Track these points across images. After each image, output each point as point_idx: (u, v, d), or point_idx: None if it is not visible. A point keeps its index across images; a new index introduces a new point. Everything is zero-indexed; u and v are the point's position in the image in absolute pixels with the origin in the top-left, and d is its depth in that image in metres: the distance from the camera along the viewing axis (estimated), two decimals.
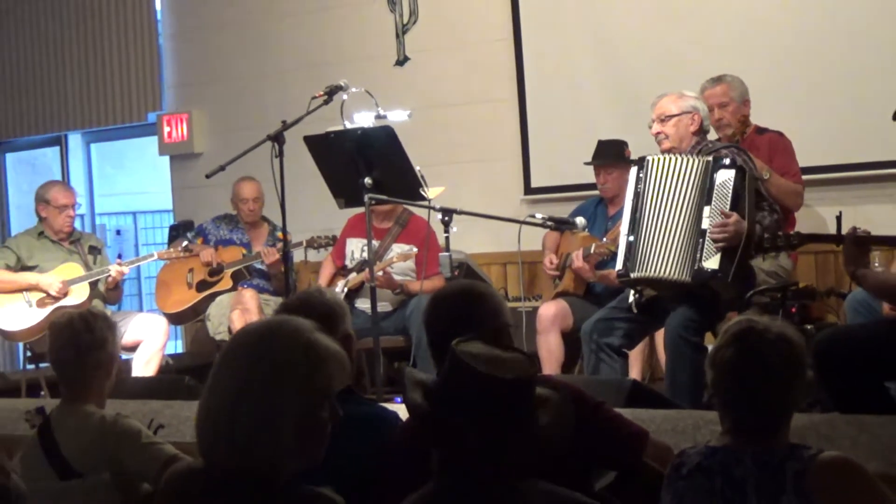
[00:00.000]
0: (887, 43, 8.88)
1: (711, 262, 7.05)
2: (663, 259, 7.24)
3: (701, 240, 7.08)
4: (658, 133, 7.40)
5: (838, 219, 6.44)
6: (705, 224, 7.08)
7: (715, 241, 7.01)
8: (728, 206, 7.01)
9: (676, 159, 7.28)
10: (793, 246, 6.93)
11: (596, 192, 8.96)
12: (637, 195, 7.34)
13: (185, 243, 9.99)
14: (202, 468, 3.75)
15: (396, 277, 9.22)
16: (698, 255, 7.10)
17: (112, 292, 9.88)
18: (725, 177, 7.05)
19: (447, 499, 3.23)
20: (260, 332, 3.78)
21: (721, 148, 7.40)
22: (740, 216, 6.98)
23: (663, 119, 7.38)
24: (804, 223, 8.15)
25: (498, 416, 3.18)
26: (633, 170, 7.42)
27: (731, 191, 7.04)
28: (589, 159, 8.94)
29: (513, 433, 3.18)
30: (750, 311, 6.98)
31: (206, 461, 3.74)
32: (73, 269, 9.75)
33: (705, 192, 7.12)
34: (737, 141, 7.86)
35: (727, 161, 7.10)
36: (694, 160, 7.21)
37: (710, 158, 7.17)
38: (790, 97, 9.01)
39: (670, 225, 7.24)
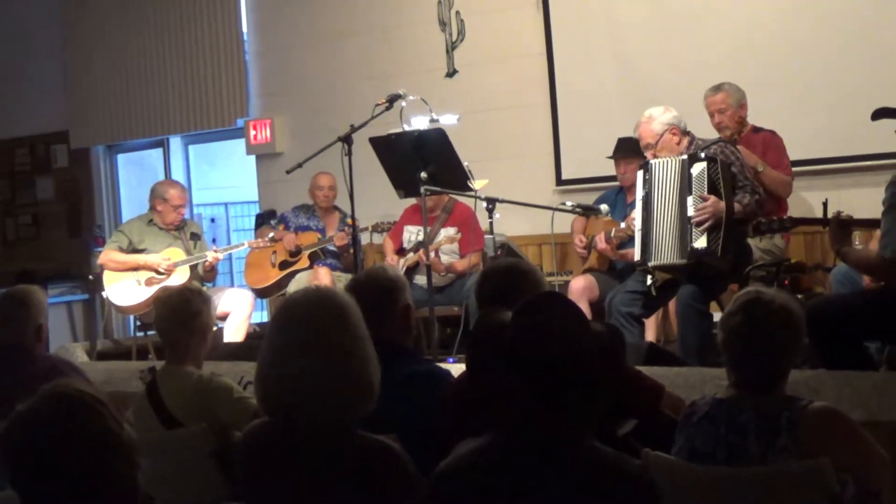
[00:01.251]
0: (867, 52, 8.83)
1: (700, 242, 7.19)
2: (666, 247, 7.34)
3: (689, 225, 7.19)
4: (653, 155, 7.45)
5: (824, 204, 6.45)
6: (690, 211, 7.22)
7: (698, 223, 7.13)
8: (706, 192, 7.11)
9: (665, 162, 7.35)
10: (785, 228, 6.99)
11: (617, 183, 8.97)
12: (645, 195, 7.41)
13: (270, 234, 10.02)
14: (273, 422, 3.78)
15: (444, 256, 9.27)
16: (689, 239, 7.21)
17: (208, 273, 9.96)
18: (700, 168, 7.22)
19: (500, 452, 3.21)
20: (309, 297, 3.83)
21: (710, 144, 7.45)
22: (717, 198, 7.03)
23: (651, 145, 7.46)
24: (795, 208, 8.13)
25: (558, 376, 3.15)
26: (640, 174, 7.49)
27: (706, 178, 7.18)
28: (611, 154, 8.93)
29: (570, 392, 3.15)
30: (749, 284, 7.03)
31: (274, 416, 3.77)
32: (176, 252, 9.83)
33: (686, 185, 7.25)
34: (734, 140, 7.84)
35: (702, 154, 7.21)
36: (675, 161, 7.29)
37: (686, 156, 7.27)
38: (783, 99, 8.97)
39: (667, 217, 7.36)
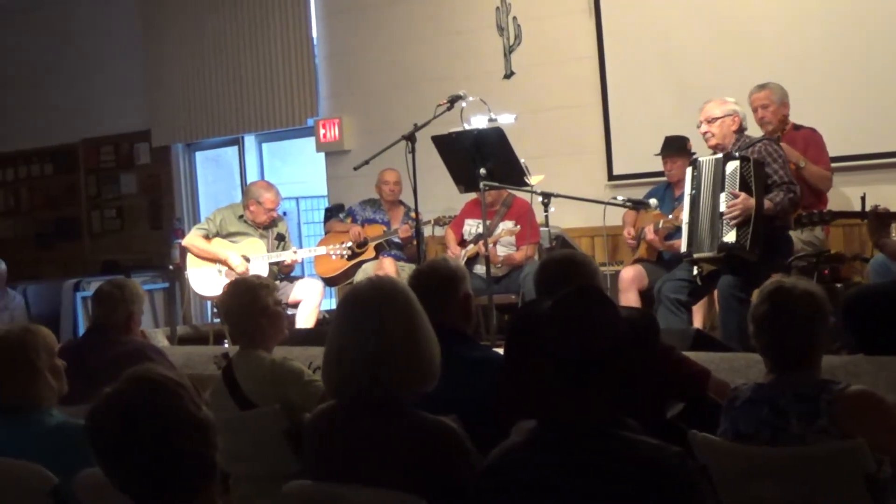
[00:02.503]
0: None
1: (729, 237, 7.25)
2: (704, 240, 7.37)
3: (720, 220, 7.21)
4: (705, 132, 7.48)
5: (863, 198, 6.45)
6: (722, 207, 7.25)
7: (729, 218, 7.10)
8: (737, 189, 7.17)
9: (709, 161, 7.35)
10: (825, 221, 6.99)
11: (664, 178, 8.94)
12: (692, 190, 7.41)
13: (349, 243, 10.04)
14: (337, 405, 3.81)
15: (501, 248, 9.27)
16: (719, 233, 7.27)
17: (286, 268, 10.03)
18: (733, 166, 7.25)
19: (543, 444, 3.19)
20: (372, 286, 3.88)
21: (756, 141, 7.44)
22: (748, 195, 7.06)
23: (710, 120, 7.45)
24: (834, 202, 8.09)
25: (592, 368, 3.14)
26: (689, 170, 7.52)
27: (738, 176, 7.20)
28: (658, 152, 8.91)
29: (604, 384, 3.14)
30: (792, 272, 7.02)
31: (340, 397, 3.79)
32: (258, 246, 9.88)
33: (720, 182, 7.28)
34: (777, 137, 7.82)
35: (735, 153, 7.24)
36: (714, 160, 7.29)
37: (722, 155, 7.30)
38: (823, 97, 8.92)
39: (706, 212, 7.37)
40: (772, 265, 7.35)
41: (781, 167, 7.33)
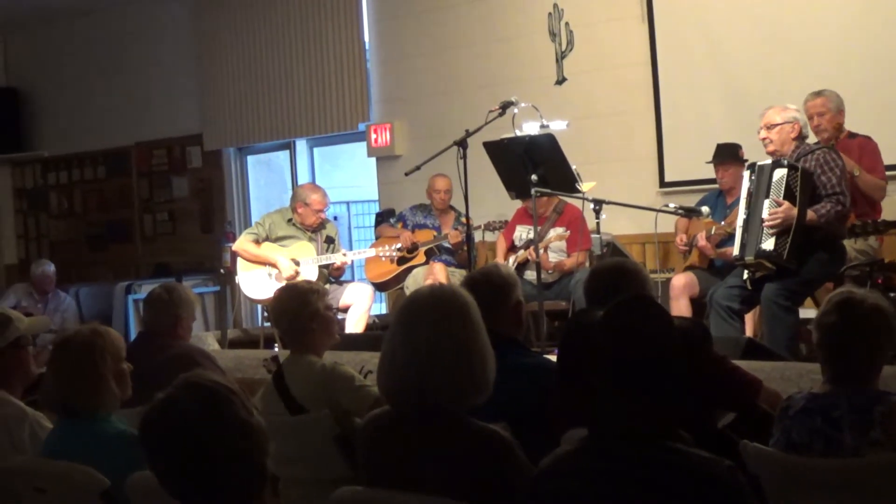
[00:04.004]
0: None
1: (768, 244, 7.27)
2: (749, 244, 7.32)
3: (761, 226, 7.20)
4: (764, 138, 7.46)
5: None
6: (764, 214, 7.25)
7: (769, 226, 7.10)
8: (781, 197, 7.13)
9: (764, 165, 7.33)
10: (879, 230, 6.98)
11: (716, 186, 8.89)
12: (749, 194, 7.40)
13: (398, 245, 10.06)
14: (393, 411, 3.81)
15: (552, 254, 9.25)
16: (760, 239, 7.26)
17: (336, 271, 10.04)
18: (780, 174, 7.24)
19: (594, 453, 3.19)
20: (433, 294, 3.86)
21: (814, 149, 7.40)
22: (791, 205, 7.04)
23: (769, 127, 7.43)
24: (889, 210, 8.02)
25: (644, 377, 3.13)
26: (747, 173, 7.51)
27: (784, 184, 7.17)
28: (710, 159, 8.87)
29: (655, 393, 3.12)
30: (844, 283, 6.98)
31: (395, 404, 3.79)
32: (308, 249, 9.91)
33: (765, 188, 7.29)
34: (832, 144, 7.77)
35: (784, 161, 7.19)
36: (767, 165, 7.27)
37: (771, 161, 7.25)
38: (878, 105, 8.85)
39: (754, 216, 7.34)
40: (824, 274, 7.33)
41: (837, 177, 7.27)
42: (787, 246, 7.16)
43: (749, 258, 7.36)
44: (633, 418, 3.10)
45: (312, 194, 10.09)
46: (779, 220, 7.13)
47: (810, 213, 7.18)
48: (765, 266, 7.31)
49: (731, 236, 8.16)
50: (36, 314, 11.41)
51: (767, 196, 7.23)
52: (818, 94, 8.15)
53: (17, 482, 4.58)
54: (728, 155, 8.72)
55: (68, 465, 4.40)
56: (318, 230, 10.08)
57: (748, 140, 8.57)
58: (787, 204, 7.13)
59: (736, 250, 7.52)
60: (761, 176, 7.36)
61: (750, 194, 7.44)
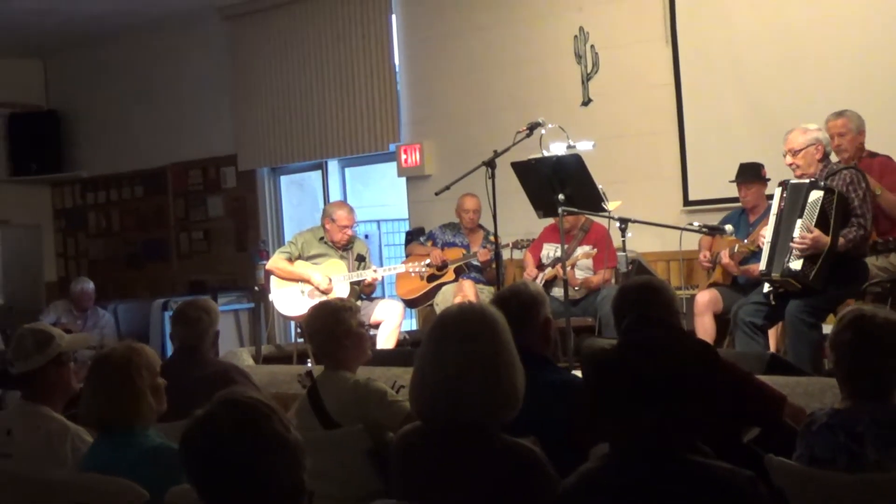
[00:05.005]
0: None
1: (795, 264, 7.23)
2: (776, 259, 7.31)
3: (791, 245, 7.17)
4: (791, 164, 7.43)
5: None
6: (795, 233, 7.20)
7: (797, 249, 7.06)
8: (814, 221, 7.08)
9: (798, 184, 7.31)
10: None
11: (739, 204, 8.87)
12: (779, 213, 7.39)
13: (426, 261, 10.09)
14: (424, 426, 3.82)
15: (578, 272, 9.26)
16: (787, 257, 7.23)
17: (367, 288, 10.05)
18: (816, 196, 7.17)
19: (619, 468, 3.19)
20: (464, 312, 3.88)
21: (842, 169, 7.37)
22: (825, 230, 7.08)
23: (794, 152, 7.40)
24: None
25: (661, 393, 3.13)
26: (778, 190, 7.48)
27: (819, 207, 7.11)
28: (733, 178, 8.86)
29: (676, 410, 3.13)
30: (866, 299, 6.97)
31: (426, 420, 3.80)
32: (339, 266, 9.93)
33: (799, 207, 7.23)
34: (854, 164, 7.75)
35: (822, 183, 7.11)
36: (800, 184, 7.25)
37: (809, 181, 7.19)
38: None
39: (784, 233, 7.31)
40: (846, 291, 7.31)
41: (860, 199, 7.24)
42: (814, 270, 7.13)
43: (776, 275, 7.35)
44: (653, 434, 3.11)
45: (338, 210, 10.12)
46: (805, 247, 7.11)
47: (840, 240, 7.16)
48: (791, 283, 7.29)
49: (754, 254, 8.20)
50: (75, 330, 11.46)
51: (801, 216, 7.19)
52: (839, 114, 8.12)
53: (59, 496, 4.61)
54: (750, 174, 8.70)
55: (108, 478, 4.42)
56: (349, 248, 10.10)
57: (771, 159, 8.56)
58: (818, 232, 7.09)
59: (763, 265, 7.49)
60: (796, 195, 7.32)
61: (781, 211, 7.42)
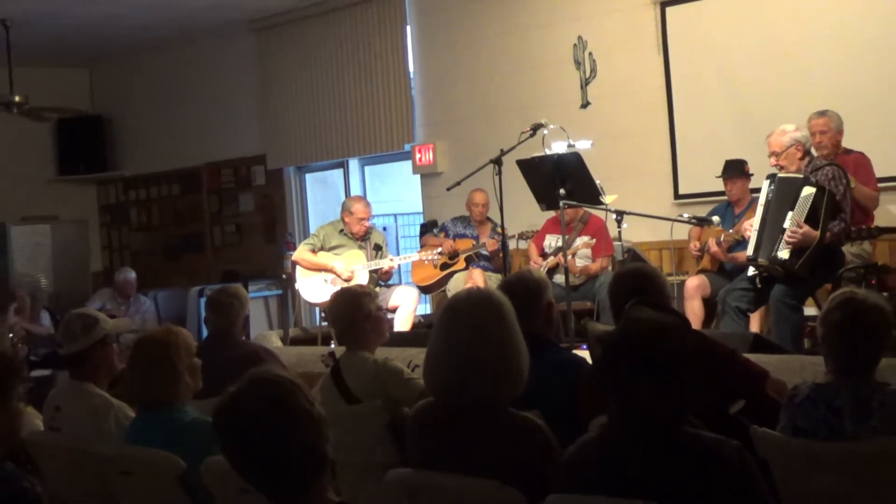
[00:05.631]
0: None
1: (783, 253, 7.21)
2: (766, 248, 7.28)
3: (780, 235, 7.15)
4: (775, 164, 7.42)
5: None
6: (786, 223, 7.17)
7: (787, 242, 7.05)
8: (804, 216, 7.04)
9: (788, 178, 7.28)
10: (873, 235, 6.93)
11: (725, 198, 8.85)
12: (766, 203, 7.37)
13: (438, 250, 10.10)
14: (437, 402, 3.81)
15: (578, 260, 9.25)
16: (776, 246, 7.21)
17: (385, 276, 10.04)
18: (808, 192, 7.13)
19: (617, 438, 3.18)
20: (472, 298, 3.87)
21: (825, 165, 7.36)
22: (814, 225, 7.07)
23: (778, 154, 7.39)
24: (881, 218, 7.98)
25: (661, 369, 3.12)
26: (766, 182, 7.46)
27: (810, 203, 7.10)
28: (720, 174, 8.84)
29: (673, 384, 3.12)
30: (841, 284, 6.94)
31: (439, 396, 3.79)
32: (358, 256, 9.93)
33: (791, 199, 7.19)
34: (831, 160, 7.73)
35: (813, 180, 7.09)
36: (793, 178, 7.22)
37: (803, 176, 7.15)
38: (872, 124, 8.77)
39: (771, 222, 7.28)
40: (825, 276, 7.29)
41: (841, 194, 7.24)
42: (800, 260, 7.11)
43: (762, 260, 7.33)
44: (648, 407, 3.10)
45: (356, 204, 10.14)
46: (796, 240, 7.09)
47: (827, 234, 7.15)
48: (776, 269, 7.27)
49: (739, 242, 8.21)
50: (119, 316, 11.47)
51: (792, 208, 7.17)
52: (822, 113, 8.08)
53: (106, 466, 4.62)
54: (735, 170, 8.70)
55: (149, 450, 4.43)
56: (367, 239, 10.09)
57: (754, 156, 8.56)
58: (807, 228, 7.07)
59: (749, 251, 7.50)
60: (786, 187, 7.29)
61: (768, 202, 7.40)
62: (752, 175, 8.67)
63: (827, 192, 7.13)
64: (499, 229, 8.83)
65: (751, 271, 7.53)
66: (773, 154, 7.46)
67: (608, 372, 3.21)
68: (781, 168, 7.41)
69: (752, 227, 7.59)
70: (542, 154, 8.53)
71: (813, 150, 7.65)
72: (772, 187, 7.41)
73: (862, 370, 3.99)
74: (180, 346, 4.62)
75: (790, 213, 7.15)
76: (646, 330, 3.20)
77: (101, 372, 5.27)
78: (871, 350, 4.00)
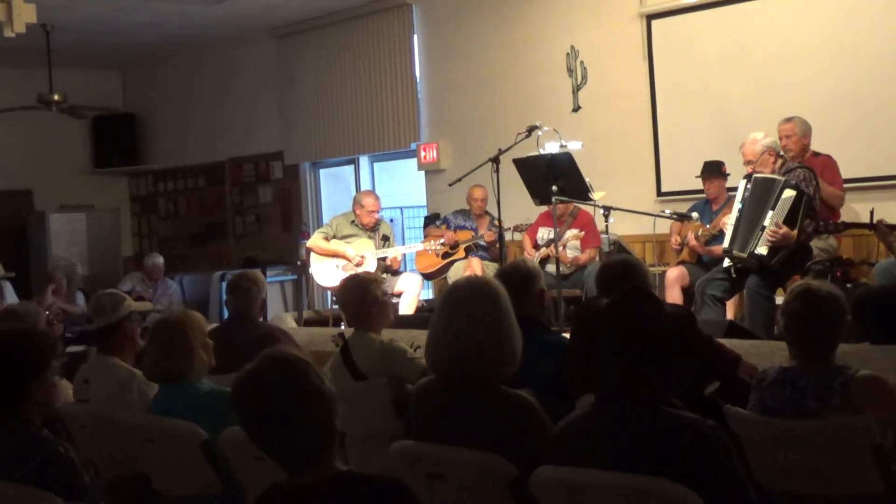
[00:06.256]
0: None
1: (762, 249, 7.17)
2: (741, 241, 7.27)
3: (760, 232, 7.11)
4: (752, 170, 7.41)
5: (871, 213, 6.35)
6: (766, 222, 7.14)
7: (767, 240, 7.05)
8: (783, 217, 7.02)
9: (766, 179, 7.28)
10: (838, 230, 6.95)
11: (704, 195, 8.84)
12: (743, 201, 7.35)
13: (441, 240, 10.12)
14: (437, 380, 3.82)
15: (569, 251, 9.22)
16: (755, 242, 7.18)
17: (393, 262, 10.05)
18: (789, 194, 7.10)
19: (603, 416, 3.18)
20: (470, 284, 3.88)
21: (797, 167, 7.36)
22: (792, 226, 7.06)
23: (752, 162, 7.42)
24: (846, 216, 7.94)
25: (645, 352, 3.12)
26: (743, 182, 7.46)
27: (790, 204, 7.07)
28: (699, 174, 8.82)
29: (651, 365, 3.11)
30: (809, 276, 6.94)
31: (439, 374, 3.80)
32: (367, 245, 9.96)
33: (772, 200, 7.15)
34: (799, 162, 7.73)
35: (793, 182, 7.08)
36: (775, 178, 7.21)
37: (783, 180, 7.14)
38: (838, 130, 8.74)
39: (749, 219, 7.26)
40: (793, 268, 7.28)
41: (811, 196, 7.24)
42: (776, 257, 7.11)
43: (737, 252, 7.32)
44: (632, 387, 3.10)
45: (366, 198, 10.18)
46: (776, 240, 7.06)
47: (802, 234, 7.16)
48: (750, 262, 7.26)
49: (716, 237, 8.19)
50: (147, 298, 11.53)
51: (773, 209, 7.15)
52: (788, 119, 8.08)
53: (135, 434, 4.63)
54: (713, 171, 8.68)
55: (172, 420, 4.45)
56: (375, 229, 10.11)
57: (730, 157, 8.57)
58: (786, 229, 7.06)
59: (726, 243, 7.48)
60: (766, 188, 7.26)
61: (744, 199, 7.40)
62: (728, 175, 8.66)
63: (806, 196, 7.12)
64: (496, 222, 8.83)
65: (726, 262, 7.52)
66: (748, 162, 7.50)
67: (589, 353, 3.20)
68: (758, 173, 7.41)
69: (728, 221, 7.60)
70: (536, 154, 8.54)
71: (782, 152, 7.66)
72: (748, 186, 7.41)
73: (821, 354, 3.99)
74: (194, 327, 4.69)
75: (770, 213, 7.12)
76: (628, 314, 3.19)
77: (126, 347, 5.31)
78: (829, 335, 4.00)
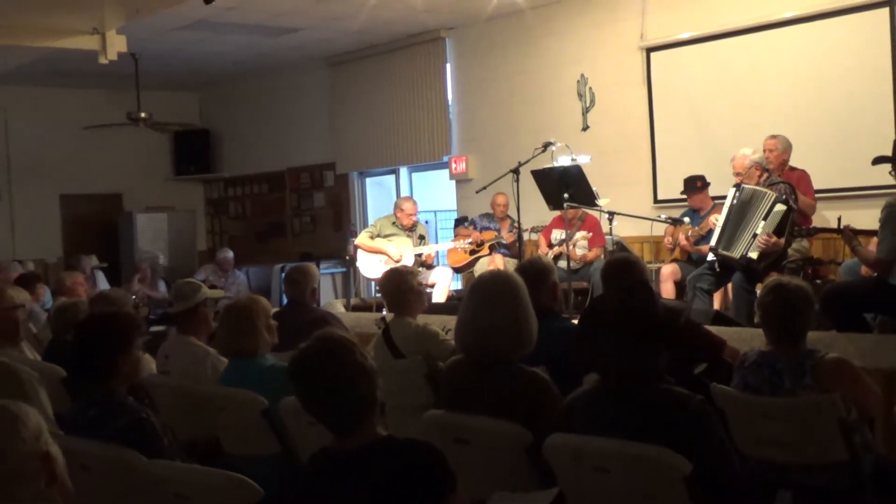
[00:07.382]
0: (870, 116, 8.58)
1: (752, 254, 7.06)
2: (732, 242, 7.21)
3: (752, 238, 7.04)
4: (740, 181, 7.36)
5: (839, 219, 6.29)
6: (758, 230, 7.06)
7: (759, 246, 6.98)
8: (774, 228, 6.98)
9: (755, 190, 7.24)
10: (810, 234, 6.85)
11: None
12: (731, 206, 7.30)
13: (469, 240, 10.11)
14: (465, 359, 3.82)
15: (578, 250, 9.19)
16: (746, 247, 7.10)
17: (428, 258, 10.05)
18: (781, 208, 7.03)
19: (606, 391, 3.17)
20: (493, 277, 3.91)
21: (779, 182, 7.32)
22: (781, 236, 6.99)
23: (741, 174, 7.37)
24: (817, 221, 7.89)
25: (640, 336, 3.11)
26: (732, 190, 7.42)
27: (780, 217, 7.00)
28: (681, 191, 8.76)
29: (647, 348, 3.10)
30: (784, 273, 6.89)
31: (466, 354, 3.79)
32: (406, 243, 9.96)
33: (765, 211, 7.08)
34: (779, 175, 7.68)
35: (784, 198, 7.02)
36: (766, 192, 7.15)
37: (776, 194, 7.07)
38: (812, 146, 8.66)
39: (740, 224, 7.20)
40: (772, 267, 7.24)
41: (795, 209, 7.19)
42: (764, 262, 7.06)
43: (722, 251, 7.26)
44: (631, 367, 3.09)
45: (406, 203, 10.18)
46: (767, 248, 6.99)
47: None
48: (733, 260, 7.20)
49: (703, 238, 8.14)
50: (219, 286, 11.55)
51: (765, 219, 7.07)
52: (774, 136, 8.07)
53: (207, 402, 4.64)
54: (689, 188, 8.65)
55: (239, 390, 4.45)
56: (413, 230, 10.11)
57: (717, 169, 8.55)
58: (776, 239, 7.00)
59: (713, 242, 7.44)
60: (756, 199, 7.19)
61: (732, 206, 7.34)
62: (709, 184, 8.60)
63: (793, 211, 7.07)
64: (516, 224, 8.83)
65: (710, 256, 7.49)
66: (737, 174, 7.45)
67: (595, 336, 3.20)
68: (746, 185, 7.37)
69: (717, 221, 7.56)
70: (550, 166, 8.53)
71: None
72: (737, 194, 7.35)
73: (792, 340, 3.96)
74: (260, 310, 4.69)
75: (763, 223, 7.05)
76: (625, 305, 3.18)
77: (201, 328, 5.31)
78: (798, 323, 3.97)
